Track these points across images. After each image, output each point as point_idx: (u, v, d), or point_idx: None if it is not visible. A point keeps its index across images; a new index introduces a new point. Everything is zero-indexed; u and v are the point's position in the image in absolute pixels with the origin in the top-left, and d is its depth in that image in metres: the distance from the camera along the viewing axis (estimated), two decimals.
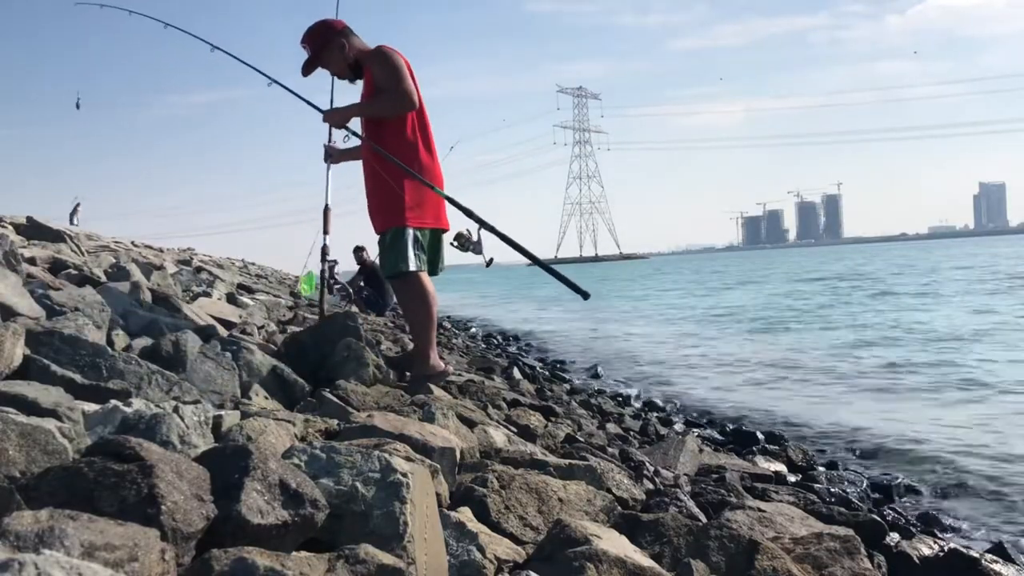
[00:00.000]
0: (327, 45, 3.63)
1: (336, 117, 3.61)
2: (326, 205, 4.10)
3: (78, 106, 4.85)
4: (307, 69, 3.72)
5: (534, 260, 3.60)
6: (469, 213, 3.51)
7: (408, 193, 3.50)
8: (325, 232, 4.15)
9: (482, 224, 3.49)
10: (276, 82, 4.02)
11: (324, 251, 4.18)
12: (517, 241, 3.46)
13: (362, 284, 10.78)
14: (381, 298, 10.45)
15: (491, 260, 3.56)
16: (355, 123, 3.71)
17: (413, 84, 3.52)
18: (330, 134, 3.96)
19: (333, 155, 3.98)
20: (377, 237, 3.67)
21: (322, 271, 4.28)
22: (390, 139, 3.55)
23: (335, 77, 3.78)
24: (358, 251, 10.90)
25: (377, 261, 4.23)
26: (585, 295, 3.51)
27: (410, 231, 3.51)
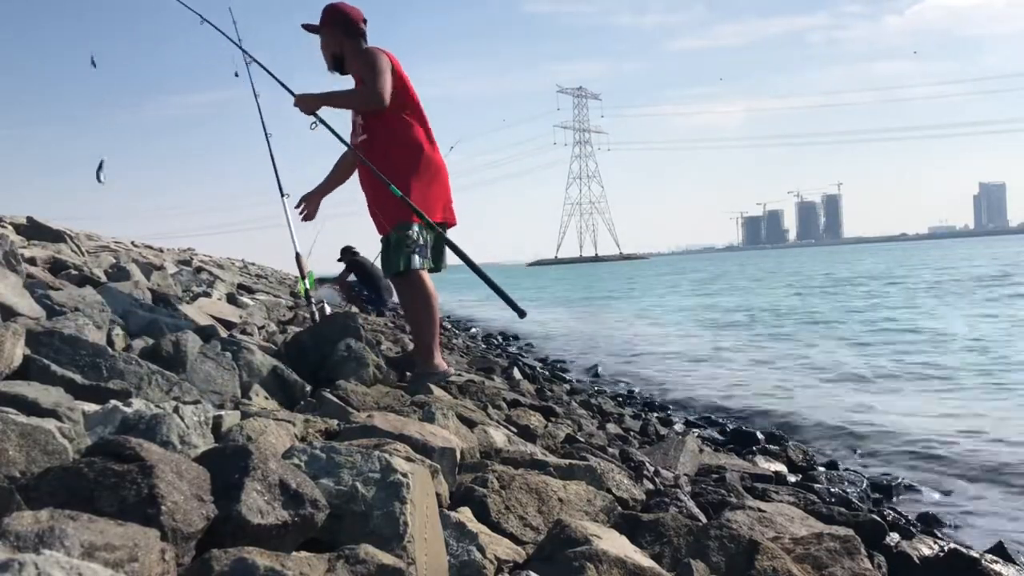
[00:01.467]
0: (324, 27, 3.74)
1: (307, 102, 3.60)
2: (296, 253, 4.24)
3: (94, 64, 4.86)
4: (310, 28, 3.78)
5: (479, 273, 3.61)
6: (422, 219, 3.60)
7: (414, 190, 3.51)
8: (302, 277, 4.25)
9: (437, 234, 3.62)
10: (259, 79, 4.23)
11: (308, 295, 4.27)
12: (465, 252, 3.57)
13: (359, 285, 10.70)
14: (378, 298, 10.40)
15: (444, 266, 3.78)
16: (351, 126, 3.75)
17: (402, 81, 3.56)
18: (281, 191, 4.13)
19: (309, 208, 4.00)
20: (380, 237, 3.69)
21: (312, 313, 4.27)
22: (395, 134, 3.57)
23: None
24: (344, 252, 10.68)
25: (377, 262, 4.26)
26: (522, 313, 3.51)
27: (415, 228, 3.53)
